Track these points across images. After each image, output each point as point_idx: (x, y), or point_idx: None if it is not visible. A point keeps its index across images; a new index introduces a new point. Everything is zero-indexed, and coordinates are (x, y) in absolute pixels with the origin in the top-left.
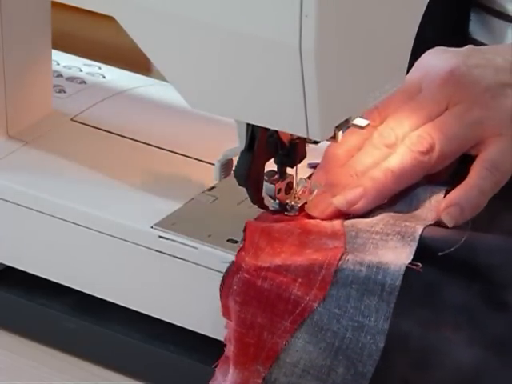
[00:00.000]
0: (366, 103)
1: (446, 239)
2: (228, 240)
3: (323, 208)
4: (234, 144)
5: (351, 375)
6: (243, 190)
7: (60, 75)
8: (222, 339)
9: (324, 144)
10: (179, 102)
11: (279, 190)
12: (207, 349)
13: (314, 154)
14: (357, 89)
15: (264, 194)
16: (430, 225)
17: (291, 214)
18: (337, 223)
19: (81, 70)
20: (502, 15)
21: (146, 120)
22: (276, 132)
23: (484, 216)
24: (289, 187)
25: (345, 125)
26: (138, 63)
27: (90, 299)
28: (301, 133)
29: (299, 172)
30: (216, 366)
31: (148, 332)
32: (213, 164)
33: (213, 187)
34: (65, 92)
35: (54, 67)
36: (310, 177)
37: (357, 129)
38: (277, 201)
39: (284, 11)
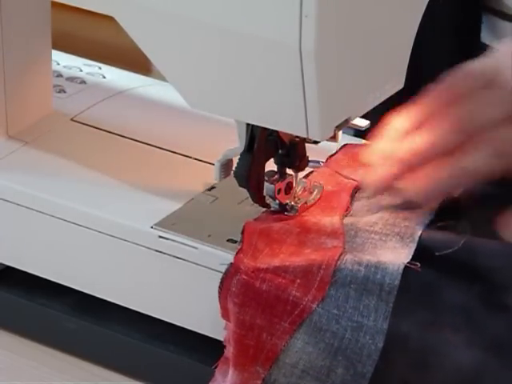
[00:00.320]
0: (366, 103)
1: (446, 241)
2: (228, 240)
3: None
4: (234, 144)
5: (351, 375)
6: (243, 189)
7: (60, 75)
8: (221, 339)
9: (324, 144)
10: (179, 102)
11: (279, 190)
12: (207, 349)
13: (314, 153)
14: (357, 89)
15: (264, 195)
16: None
17: (291, 214)
18: (336, 222)
19: (81, 70)
20: (510, 17)
21: (146, 120)
22: (276, 131)
23: (485, 224)
24: (289, 187)
25: (345, 125)
26: (138, 63)
27: (90, 299)
28: (301, 133)
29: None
30: (216, 367)
31: (148, 332)
32: (213, 164)
33: (213, 187)
34: (65, 92)
35: (54, 67)
36: (309, 174)
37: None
38: (277, 201)
39: (284, 11)
